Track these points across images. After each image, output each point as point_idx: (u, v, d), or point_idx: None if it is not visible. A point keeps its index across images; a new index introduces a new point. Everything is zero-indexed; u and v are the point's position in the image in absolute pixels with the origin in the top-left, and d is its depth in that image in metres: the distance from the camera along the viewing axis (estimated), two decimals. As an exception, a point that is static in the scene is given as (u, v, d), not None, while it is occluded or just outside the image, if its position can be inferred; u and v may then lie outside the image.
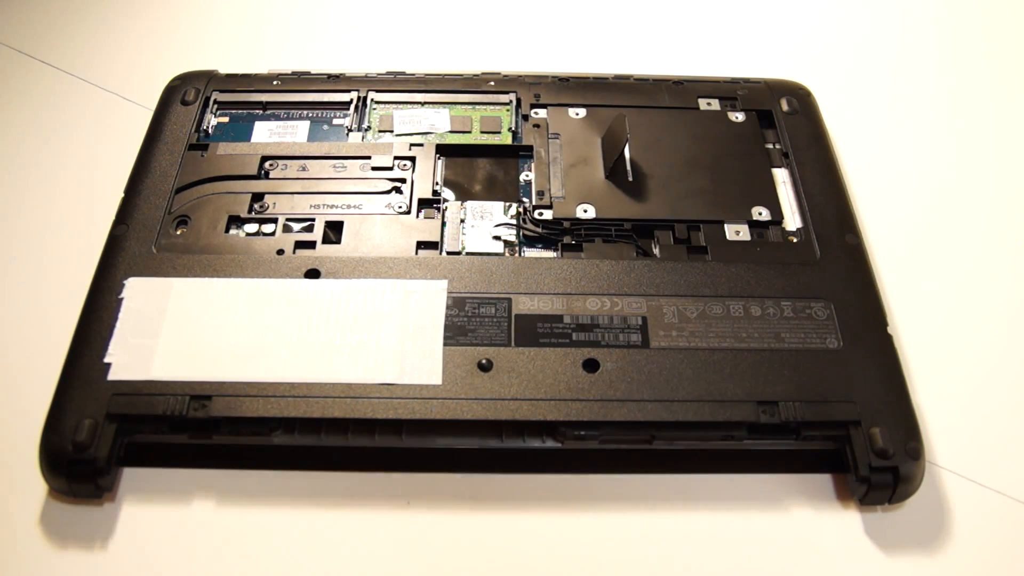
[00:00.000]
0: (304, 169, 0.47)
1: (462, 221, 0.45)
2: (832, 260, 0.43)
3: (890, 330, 0.41)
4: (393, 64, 0.53)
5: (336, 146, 0.48)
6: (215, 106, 0.50)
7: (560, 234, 0.44)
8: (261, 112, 0.50)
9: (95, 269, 0.42)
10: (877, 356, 0.40)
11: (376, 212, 0.45)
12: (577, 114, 0.50)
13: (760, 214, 0.45)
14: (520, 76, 0.52)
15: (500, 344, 0.39)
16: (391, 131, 0.49)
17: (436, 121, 0.50)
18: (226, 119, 0.50)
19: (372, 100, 0.51)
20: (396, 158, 0.47)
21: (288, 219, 0.44)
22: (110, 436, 0.37)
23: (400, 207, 0.45)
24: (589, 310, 0.41)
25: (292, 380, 0.38)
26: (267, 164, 0.47)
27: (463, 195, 0.47)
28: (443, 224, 0.45)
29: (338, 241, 0.44)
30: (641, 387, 0.38)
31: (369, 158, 0.47)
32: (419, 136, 0.49)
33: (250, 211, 0.45)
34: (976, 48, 0.61)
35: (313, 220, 0.44)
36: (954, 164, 0.53)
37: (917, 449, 0.37)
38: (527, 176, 0.48)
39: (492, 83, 0.51)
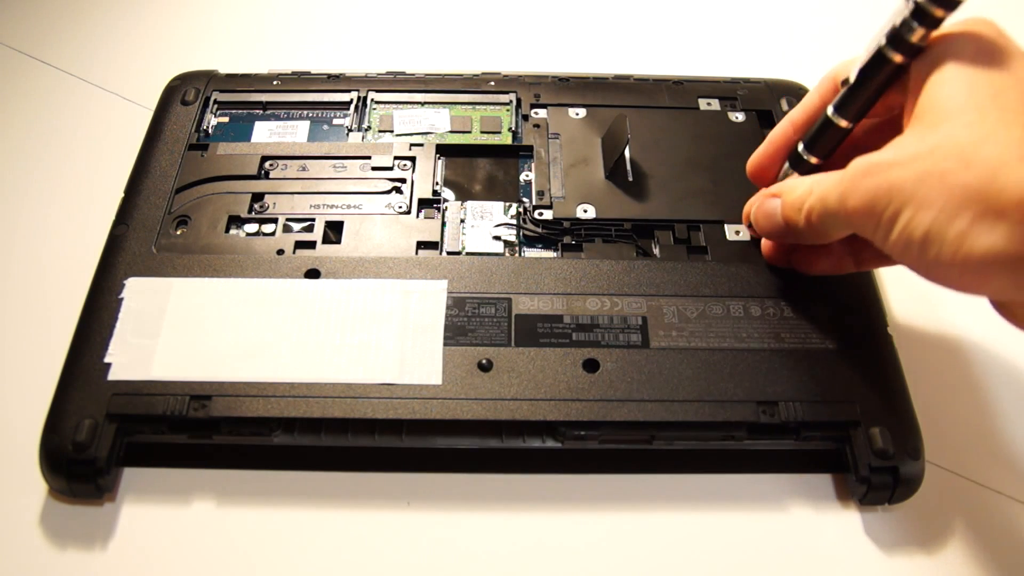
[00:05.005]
0: (304, 169, 0.47)
1: (462, 221, 0.45)
2: (832, 260, 0.43)
3: (890, 330, 0.41)
4: (393, 64, 0.53)
5: (336, 146, 0.48)
6: (215, 106, 0.50)
7: (560, 234, 0.44)
8: (261, 112, 0.50)
9: (95, 269, 0.42)
10: (877, 356, 0.40)
11: (376, 212, 0.45)
12: (577, 114, 0.50)
13: (760, 214, 0.45)
14: (520, 76, 0.52)
15: (500, 344, 0.39)
16: (391, 131, 0.49)
17: (436, 121, 0.50)
18: (226, 119, 0.50)
19: (372, 100, 0.51)
20: (396, 158, 0.47)
21: (288, 219, 0.44)
22: (110, 436, 0.37)
23: (400, 207, 0.45)
24: (589, 310, 0.41)
25: (292, 380, 0.38)
26: (267, 164, 0.47)
27: (463, 195, 0.47)
28: (443, 224, 0.45)
29: (338, 241, 0.44)
30: (641, 387, 0.38)
31: (369, 158, 0.47)
32: (419, 136, 0.49)
33: (250, 211, 0.45)
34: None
35: (313, 220, 0.44)
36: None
37: (917, 449, 0.38)
38: (527, 176, 0.48)
39: (492, 83, 0.51)
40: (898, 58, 0.34)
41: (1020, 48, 0.32)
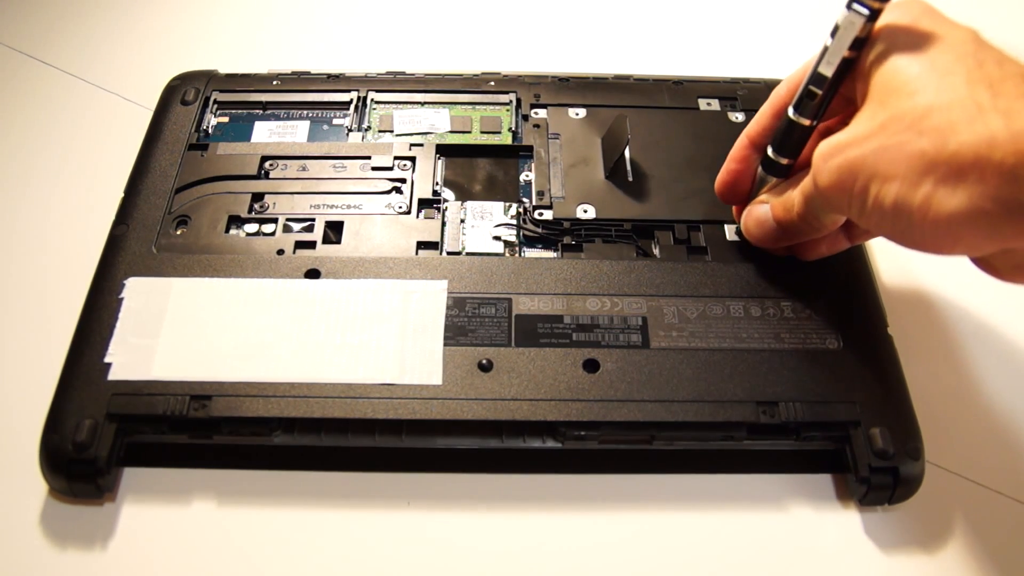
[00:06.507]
0: (304, 169, 0.47)
1: (462, 221, 0.45)
2: (832, 260, 0.43)
3: (890, 330, 0.41)
4: (393, 64, 0.53)
5: (336, 146, 0.48)
6: (215, 106, 0.50)
7: (560, 234, 0.44)
8: (261, 112, 0.50)
9: (95, 269, 0.42)
10: (877, 356, 0.40)
11: (376, 212, 0.45)
12: (577, 114, 0.50)
13: (760, 214, 0.45)
14: (520, 76, 0.52)
15: (500, 344, 0.39)
16: (391, 131, 0.49)
17: (436, 121, 0.50)
18: (226, 119, 0.50)
19: (372, 100, 0.51)
20: (396, 158, 0.47)
21: (288, 219, 0.44)
22: (110, 436, 0.37)
23: (400, 207, 0.45)
24: (589, 310, 0.41)
25: (292, 380, 0.38)
26: (267, 164, 0.47)
27: (463, 195, 0.47)
28: (443, 224, 0.45)
29: (338, 241, 0.44)
30: (641, 387, 0.38)
31: (369, 158, 0.47)
32: (419, 136, 0.49)
33: (250, 211, 0.45)
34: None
35: (313, 220, 0.44)
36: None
37: (917, 449, 0.38)
38: (527, 176, 0.48)
39: (492, 83, 0.51)
40: (847, 53, 0.35)
41: (948, 18, 0.34)
